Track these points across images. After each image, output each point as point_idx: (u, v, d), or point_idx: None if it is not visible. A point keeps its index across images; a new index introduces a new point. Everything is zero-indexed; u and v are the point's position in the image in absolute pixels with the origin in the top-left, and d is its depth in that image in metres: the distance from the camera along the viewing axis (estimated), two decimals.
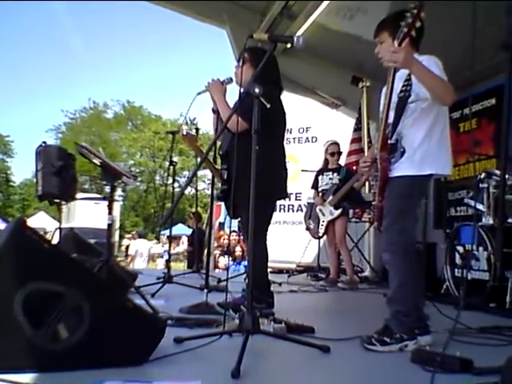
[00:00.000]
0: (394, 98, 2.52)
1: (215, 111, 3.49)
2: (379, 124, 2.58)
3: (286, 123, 3.50)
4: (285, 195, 3.45)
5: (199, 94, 3.44)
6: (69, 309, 1.83)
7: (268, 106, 2.37)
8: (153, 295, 4.06)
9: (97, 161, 3.13)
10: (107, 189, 3.33)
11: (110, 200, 3.15)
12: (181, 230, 20.33)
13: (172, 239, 10.27)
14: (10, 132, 41.73)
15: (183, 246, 14.48)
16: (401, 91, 2.49)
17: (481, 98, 6.28)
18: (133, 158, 39.29)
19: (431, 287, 4.72)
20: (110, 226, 3.20)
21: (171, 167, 4.96)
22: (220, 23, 6.85)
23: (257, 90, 2.26)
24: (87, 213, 16.31)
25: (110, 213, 3.19)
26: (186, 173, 36.72)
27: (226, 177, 3.27)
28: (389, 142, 2.52)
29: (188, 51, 61.30)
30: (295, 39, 2.25)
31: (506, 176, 3.94)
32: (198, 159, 5.48)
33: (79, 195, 14.55)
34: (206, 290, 3.34)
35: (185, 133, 4.04)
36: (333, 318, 3.87)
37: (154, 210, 35.96)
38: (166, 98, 60.73)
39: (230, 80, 3.40)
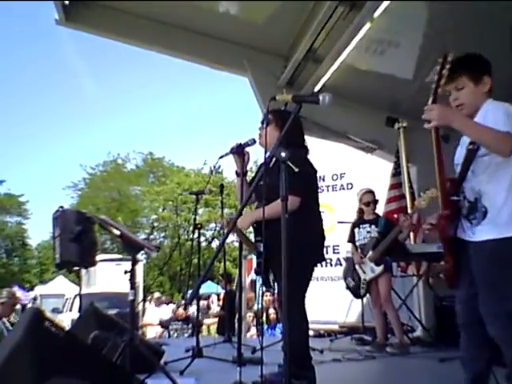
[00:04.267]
0: (462, 151, 2.52)
1: (239, 174, 3.54)
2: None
3: (317, 184, 3.52)
4: (322, 259, 3.44)
5: (221, 157, 3.52)
6: None
7: (296, 170, 2.40)
8: (181, 373, 4.03)
9: (116, 232, 3.19)
10: None
11: (131, 274, 3.18)
12: (210, 287, 20.23)
13: (200, 299, 10.10)
14: (24, 191, 42.91)
15: (213, 305, 14.27)
16: (470, 143, 2.46)
17: None
18: (156, 212, 39.73)
19: None
20: (132, 301, 3.22)
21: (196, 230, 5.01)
22: (241, 71, 7.02)
23: (283, 155, 2.30)
24: (109, 275, 16.43)
25: (132, 287, 3.21)
26: (212, 225, 36.92)
27: (261, 249, 3.23)
28: (454, 198, 2.50)
29: (209, 99, 62.57)
30: (321, 98, 2.30)
31: None
32: (225, 211, 5.55)
33: (100, 256, 14.70)
34: (238, 368, 3.28)
35: (229, 219, 4.00)
36: None
37: (180, 268, 36.03)
38: (188, 148, 61.89)
39: (253, 142, 3.45)
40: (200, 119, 61.36)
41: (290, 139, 2.75)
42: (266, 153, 2.60)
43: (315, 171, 3.46)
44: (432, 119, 2.33)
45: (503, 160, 2.38)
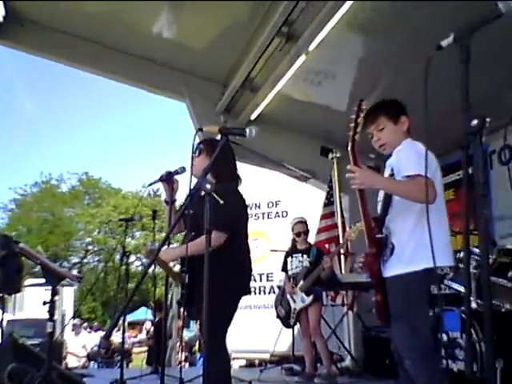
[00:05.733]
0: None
1: (168, 202, 3.48)
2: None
3: (247, 217, 3.45)
4: (248, 292, 3.37)
5: (150, 185, 3.49)
6: None
7: (221, 202, 2.37)
8: None
9: (36, 260, 3.05)
10: None
11: (51, 305, 3.04)
12: (144, 314, 19.76)
13: (133, 326, 9.76)
14: None
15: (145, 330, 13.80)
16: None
17: (457, 167, 6.33)
18: (90, 235, 38.68)
19: None
20: (51, 334, 3.07)
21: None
22: (179, 96, 7.01)
23: (208, 187, 2.27)
24: (37, 301, 15.76)
25: (50, 319, 3.06)
26: None
27: (187, 281, 3.12)
28: (378, 236, 2.55)
29: (148, 123, 61.73)
30: (247, 131, 2.30)
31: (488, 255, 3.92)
32: (162, 235, 5.44)
33: (28, 281, 14.09)
34: None
35: (149, 249, 3.78)
36: None
37: (114, 294, 35.07)
38: (126, 170, 60.77)
39: (183, 170, 3.42)
40: (139, 141, 60.44)
41: (220, 170, 2.76)
42: (191, 183, 2.57)
43: (244, 203, 3.41)
44: (354, 183, 2.43)
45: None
